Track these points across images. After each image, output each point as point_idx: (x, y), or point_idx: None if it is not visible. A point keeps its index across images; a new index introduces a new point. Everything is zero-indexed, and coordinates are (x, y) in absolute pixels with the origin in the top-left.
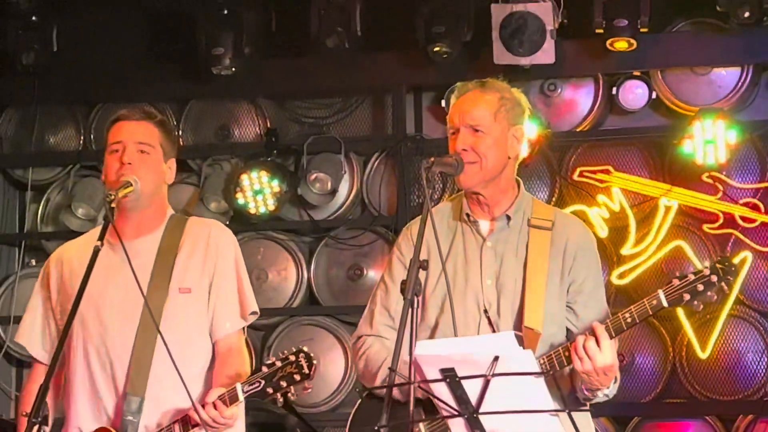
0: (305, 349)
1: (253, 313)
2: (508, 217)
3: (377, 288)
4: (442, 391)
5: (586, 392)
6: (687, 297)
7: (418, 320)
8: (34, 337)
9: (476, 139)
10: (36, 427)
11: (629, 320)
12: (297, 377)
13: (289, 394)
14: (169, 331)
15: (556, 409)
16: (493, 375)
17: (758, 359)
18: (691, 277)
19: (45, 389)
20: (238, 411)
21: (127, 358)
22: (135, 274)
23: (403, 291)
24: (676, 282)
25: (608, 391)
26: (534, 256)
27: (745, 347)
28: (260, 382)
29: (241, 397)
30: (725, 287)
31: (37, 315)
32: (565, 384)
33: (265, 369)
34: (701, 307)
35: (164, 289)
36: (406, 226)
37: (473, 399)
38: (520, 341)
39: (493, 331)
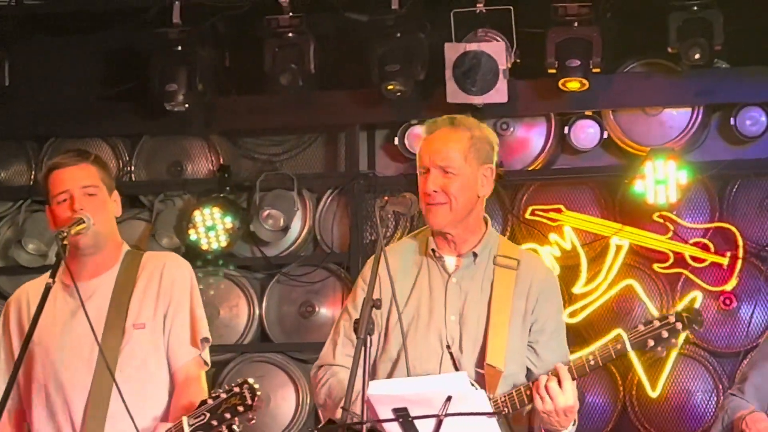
0: (250, 380)
1: (204, 339)
2: (475, 254)
3: (340, 318)
4: (395, 430)
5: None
6: (651, 343)
7: (374, 356)
8: None
9: (447, 180)
10: None
11: (592, 363)
12: (240, 408)
13: (234, 426)
14: (126, 368)
15: None
16: (446, 415)
17: (707, 398)
18: (656, 323)
19: None
20: None
21: (83, 401)
22: (88, 317)
23: (356, 330)
24: (641, 327)
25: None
26: (498, 293)
27: (695, 386)
28: (205, 415)
29: (187, 430)
30: (689, 335)
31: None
32: (521, 423)
33: (210, 401)
34: (664, 353)
35: (120, 328)
36: (372, 257)
37: None
38: (481, 378)
39: (455, 367)
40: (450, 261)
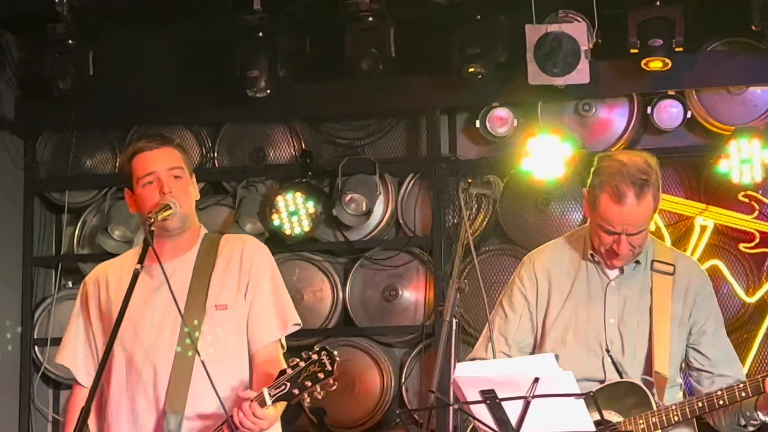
0: (327, 347)
1: (296, 324)
2: (638, 262)
3: (495, 315)
4: (482, 413)
5: (763, 417)
6: None
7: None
8: (77, 360)
9: (637, 237)
10: None
11: None
12: (321, 375)
13: (315, 393)
14: (207, 347)
15: (597, 430)
16: (534, 396)
17: None
18: None
19: (87, 411)
20: (274, 415)
21: (166, 377)
22: (173, 293)
23: (441, 313)
24: None
25: None
26: (658, 300)
27: None
28: (286, 385)
29: (269, 401)
30: None
31: (79, 338)
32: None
33: (289, 371)
34: None
35: (201, 308)
36: (527, 257)
37: (513, 421)
38: (650, 386)
39: (617, 370)
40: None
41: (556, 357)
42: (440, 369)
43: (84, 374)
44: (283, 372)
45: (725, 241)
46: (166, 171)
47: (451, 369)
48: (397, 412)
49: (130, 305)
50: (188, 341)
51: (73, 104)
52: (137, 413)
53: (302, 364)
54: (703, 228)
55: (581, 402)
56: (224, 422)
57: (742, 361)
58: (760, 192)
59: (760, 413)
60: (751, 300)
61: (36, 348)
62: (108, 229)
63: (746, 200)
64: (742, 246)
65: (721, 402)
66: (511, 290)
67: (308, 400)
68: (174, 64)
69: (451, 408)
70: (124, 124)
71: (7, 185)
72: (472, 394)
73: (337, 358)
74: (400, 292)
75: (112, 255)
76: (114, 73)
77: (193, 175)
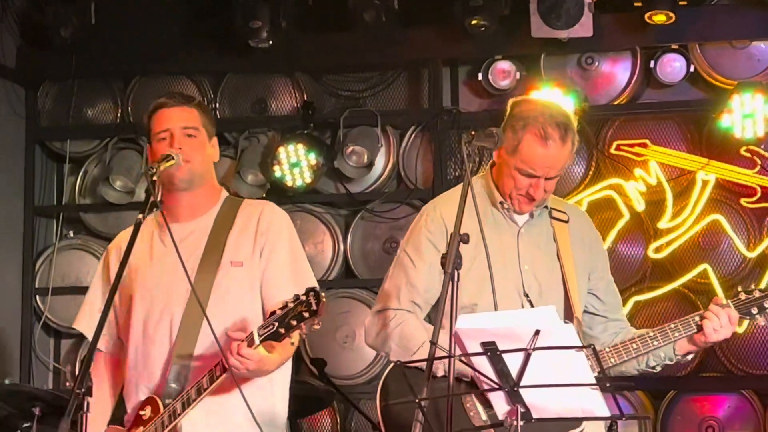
0: (316, 288)
1: (311, 289)
2: (546, 207)
3: (400, 265)
4: (482, 364)
5: (682, 357)
6: (755, 310)
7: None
8: (93, 326)
9: (550, 182)
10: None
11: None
12: (306, 314)
13: (300, 332)
14: (220, 302)
15: (596, 383)
16: (534, 349)
17: None
18: (757, 293)
19: (89, 361)
20: (262, 356)
21: (176, 329)
22: (178, 251)
23: (443, 265)
24: (742, 296)
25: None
26: (562, 246)
27: None
28: (274, 325)
29: (257, 340)
30: None
31: (96, 304)
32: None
33: (278, 312)
34: (763, 322)
35: (215, 263)
36: (430, 206)
37: (514, 373)
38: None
39: None
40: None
41: (474, 306)
42: (441, 321)
43: (103, 340)
44: (273, 313)
45: (727, 195)
46: (180, 128)
47: (452, 321)
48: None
49: (147, 266)
50: (199, 296)
51: (74, 53)
52: (151, 364)
53: (291, 305)
54: (705, 182)
55: (582, 355)
56: (217, 363)
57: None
58: (762, 147)
59: (679, 353)
60: (752, 255)
61: (37, 297)
62: (109, 179)
63: (748, 155)
64: (743, 201)
65: (655, 342)
66: (417, 239)
67: (293, 339)
68: (176, 14)
69: (451, 360)
70: (125, 74)
71: (9, 134)
72: (472, 346)
73: (324, 299)
74: None
75: (114, 205)
76: (116, 23)
77: (215, 138)
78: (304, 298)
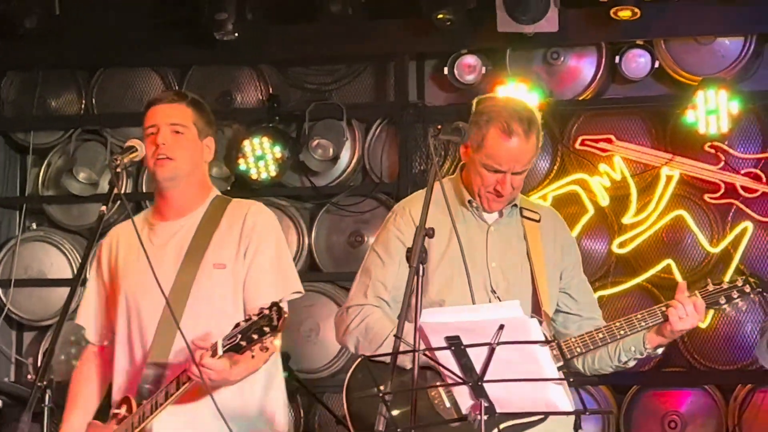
0: (281, 303)
1: (296, 291)
2: (515, 205)
3: (369, 263)
4: (447, 359)
5: (652, 350)
6: (722, 300)
7: (421, 290)
8: (89, 320)
9: (517, 178)
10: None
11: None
12: (266, 329)
13: (260, 347)
14: (199, 304)
15: (560, 378)
16: (498, 343)
17: (757, 329)
18: (725, 285)
19: (51, 353)
20: (224, 367)
21: (153, 331)
22: (147, 256)
23: (408, 259)
24: (710, 287)
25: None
26: (533, 245)
27: (744, 317)
28: (237, 336)
29: (220, 351)
30: (756, 299)
31: (91, 299)
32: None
33: (242, 324)
34: (733, 312)
35: (196, 264)
36: (400, 206)
37: (478, 367)
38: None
39: None
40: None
41: (442, 303)
42: (404, 315)
43: (94, 334)
44: (237, 325)
45: (690, 191)
46: (167, 125)
47: (416, 315)
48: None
49: (134, 263)
50: (178, 297)
51: (39, 43)
52: (131, 362)
53: (254, 318)
54: (669, 178)
55: (546, 349)
56: (184, 371)
57: (707, 311)
58: (725, 143)
59: (649, 347)
60: (715, 250)
61: (0, 289)
62: (73, 170)
63: (712, 151)
64: (707, 196)
65: (621, 332)
66: (386, 238)
67: (253, 354)
68: (142, 5)
69: (415, 354)
70: (90, 65)
71: None
72: (437, 341)
73: (286, 315)
74: (366, 238)
75: (77, 197)
76: (81, 13)
77: (210, 137)
78: (267, 312)
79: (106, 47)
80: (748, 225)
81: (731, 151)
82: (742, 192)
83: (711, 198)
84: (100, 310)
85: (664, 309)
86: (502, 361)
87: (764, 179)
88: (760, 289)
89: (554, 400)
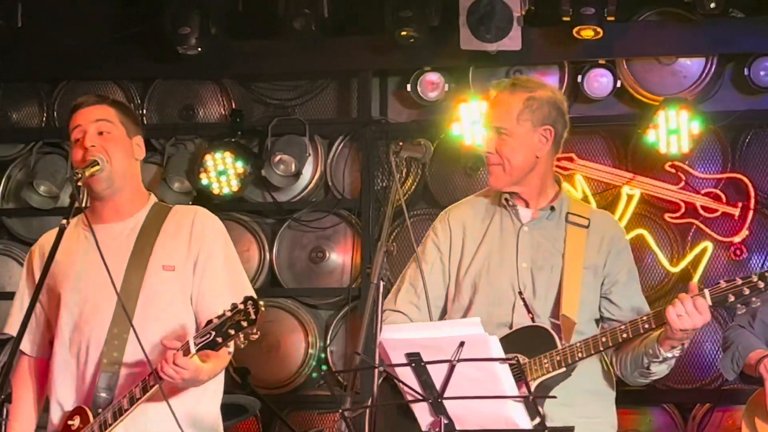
0: (255, 296)
1: (249, 298)
2: (552, 208)
3: (408, 267)
4: (407, 375)
5: (665, 352)
6: (732, 298)
7: (443, 303)
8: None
9: (500, 141)
10: None
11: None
12: (244, 324)
13: (238, 342)
14: (148, 306)
15: (519, 396)
16: (458, 360)
17: (716, 348)
18: (739, 281)
19: (9, 366)
20: (197, 366)
21: (102, 340)
22: (102, 256)
23: (369, 275)
24: (722, 284)
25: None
26: (572, 248)
27: (704, 337)
28: (210, 334)
29: (193, 349)
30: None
31: (24, 307)
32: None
33: (215, 320)
34: (743, 309)
35: (143, 267)
36: (444, 211)
37: (438, 384)
38: (557, 329)
39: (529, 313)
40: (524, 212)
41: (470, 304)
42: (366, 331)
43: (28, 343)
44: (209, 322)
45: (651, 210)
46: (93, 125)
47: (377, 331)
48: (321, 373)
49: (71, 268)
50: (127, 300)
51: (0, 55)
52: (79, 371)
53: (228, 313)
54: (630, 197)
55: (506, 367)
56: (150, 373)
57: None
58: (686, 163)
59: (662, 348)
60: (675, 269)
61: None
62: (33, 183)
63: (673, 171)
64: (667, 216)
65: (624, 335)
66: (424, 244)
67: (230, 350)
68: (105, 17)
69: (376, 370)
70: (52, 78)
71: None
72: (397, 357)
73: (262, 308)
74: (328, 254)
75: (38, 210)
76: (43, 25)
77: (138, 136)
78: (242, 307)
79: (68, 60)
80: (708, 245)
81: (692, 171)
82: (702, 212)
83: (671, 217)
84: (33, 320)
85: (663, 310)
86: (462, 379)
87: (724, 199)
88: None
89: (513, 417)
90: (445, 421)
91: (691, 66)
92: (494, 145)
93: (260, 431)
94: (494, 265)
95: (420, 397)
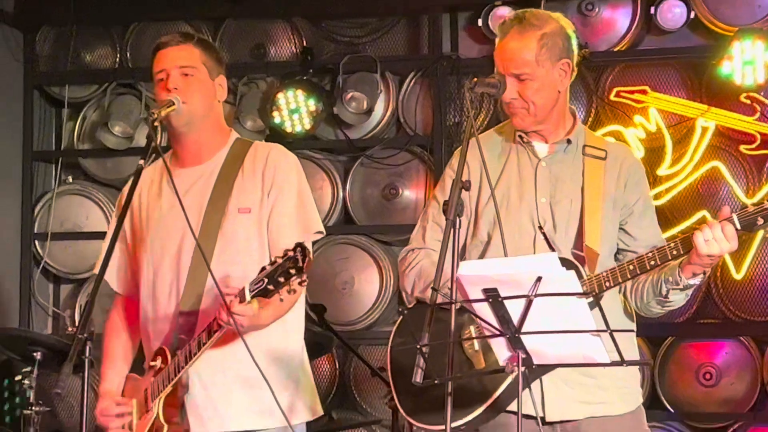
0: (304, 243)
1: (319, 232)
2: (569, 141)
3: (428, 206)
4: (484, 311)
5: (687, 279)
6: (761, 221)
7: (463, 239)
8: (112, 270)
9: (522, 86)
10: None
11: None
12: (292, 271)
13: (287, 289)
14: (226, 249)
15: (598, 330)
16: (536, 295)
17: None
18: (766, 203)
19: (91, 305)
20: (255, 312)
21: (184, 279)
22: (181, 202)
23: (445, 212)
24: (750, 207)
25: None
26: (590, 180)
27: None
28: (263, 281)
29: (248, 296)
30: None
31: (113, 248)
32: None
33: (268, 267)
34: None
35: (222, 209)
36: (459, 147)
37: (515, 319)
38: (581, 260)
39: (550, 247)
40: (540, 147)
41: (489, 239)
42: (440, 267)
43: (117, 282)
44: (263, 268)
45: (726, 142)
46: (177, 68)
47: (453, 268)
48: (399, 309)
49: (156, 210)
50: (206, 242)
51: None
52: (160, 313)
53: (279, 260)
54: (705, 129)
55: (583, 301)
56: (214, 318)
57: (740, 262)
58: (761, 93)
59: (683, 275)
60: (751, 201)
61: (36, 242)
62: (108, 124)
63: (748, 102)
64: (742, 147)
65: (652, 262)
66: (443, 180)
67: (281, 297)
68: None
69: (453, 306)
70: (124, 19)
71: (7, 79)
72: (474, 293)
73: (310, 256)
74: (401, 190)
75: (113, 150)
76: None
77: (221, 76)
78: (291, 254)
79: (139, 1)
80: None
81: (767, 101)
82: None
83: (747, 149)
84: (124, 261)
85: (690, 236)
86: (539, 313)
87: None
88: None
89: (590, 352)
90: (523, 356)
91: None
92: (516, 90)
93: (336, 367)
94: (513, 202)
95: (498, 332)
